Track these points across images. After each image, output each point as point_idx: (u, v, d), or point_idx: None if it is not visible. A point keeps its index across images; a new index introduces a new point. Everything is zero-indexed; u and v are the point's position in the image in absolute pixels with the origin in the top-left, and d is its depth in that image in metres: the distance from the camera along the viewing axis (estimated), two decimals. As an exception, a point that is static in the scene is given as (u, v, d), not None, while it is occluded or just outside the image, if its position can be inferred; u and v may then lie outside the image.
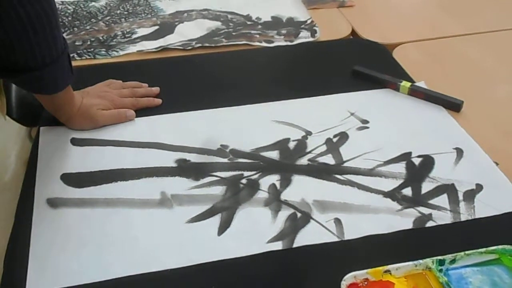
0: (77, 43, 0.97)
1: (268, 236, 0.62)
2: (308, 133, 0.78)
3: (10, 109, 0.77)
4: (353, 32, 1.05)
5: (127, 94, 0.81)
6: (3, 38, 0.60)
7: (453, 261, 0.58)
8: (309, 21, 1.06)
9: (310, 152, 0.74)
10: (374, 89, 0.87)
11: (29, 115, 0.78)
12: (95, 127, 0.76)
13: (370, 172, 0.71)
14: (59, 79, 0.69)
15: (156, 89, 0.84)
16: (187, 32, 1.01)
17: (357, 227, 0.63)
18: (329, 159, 0.73)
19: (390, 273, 0.56)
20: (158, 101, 0.82)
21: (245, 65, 0.94)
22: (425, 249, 0.60)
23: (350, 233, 0.62)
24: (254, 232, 0.62)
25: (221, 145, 0.75)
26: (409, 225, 0.64)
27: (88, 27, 1.02)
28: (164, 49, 0.96)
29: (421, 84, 0.87)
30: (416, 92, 0.85)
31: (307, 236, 0.62)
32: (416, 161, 0.73)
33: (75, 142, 0.75)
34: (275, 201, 0.67)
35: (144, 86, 0.85)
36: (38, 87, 0.70)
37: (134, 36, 1.00)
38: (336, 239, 0.62)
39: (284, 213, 0.65)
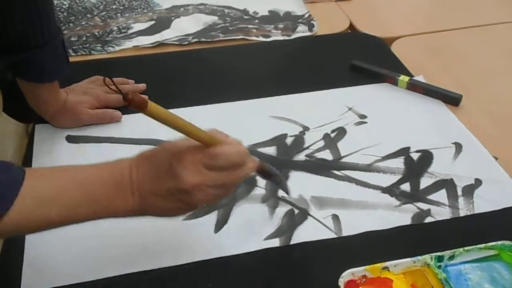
0: (72, 39, 0.96)
1: (266, 233, 0.62)
2: (306, 128, 0.77)
3: (7, 106, 0.76)
4: (351, 26, 1.04)
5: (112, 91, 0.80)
6: None
7: (452, 257, 0.57)
8: (306, 15, 1.05)
9: (307, 147, 0.74)
10: (372, 83, 0.86)
11: (25, 112, 0.77)
12: (79, 125, 0.76)
13: (368, 168, 0.71)
14: (52, 66, 0.69)
15: (142, 86, 0.84)
16: (184, 27, 1.00)
17: (355, 223, 0.63)
18: (326, 155, 0.73)
19: (388, 270, 0.56)
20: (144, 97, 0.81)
21: (242, 60, 0.93)
22: (424, 245, 0.59)
23: (348, 230, 0.62)
24: (251, 229, 0.62)
25: (218, 141, 0.74)
26: (408, 221, 0.63)
27: (83, 23, 1.01)
28: (160, 44, 0.95)
29: (419, 78, 0.86)
30: (414, 87, 0.84)
31: (305, 233, 0.62)
32: (415, 156, 0.73)
33: (71, 139, 0.74)
34: (272, 198, 0.66)
35: (131, 83, 0.84)
36: (28, 72, 0.69)
37: (130, 31, 0.99)
38: (333, 236, 0.61)
39: (282, 209, 0.65)
